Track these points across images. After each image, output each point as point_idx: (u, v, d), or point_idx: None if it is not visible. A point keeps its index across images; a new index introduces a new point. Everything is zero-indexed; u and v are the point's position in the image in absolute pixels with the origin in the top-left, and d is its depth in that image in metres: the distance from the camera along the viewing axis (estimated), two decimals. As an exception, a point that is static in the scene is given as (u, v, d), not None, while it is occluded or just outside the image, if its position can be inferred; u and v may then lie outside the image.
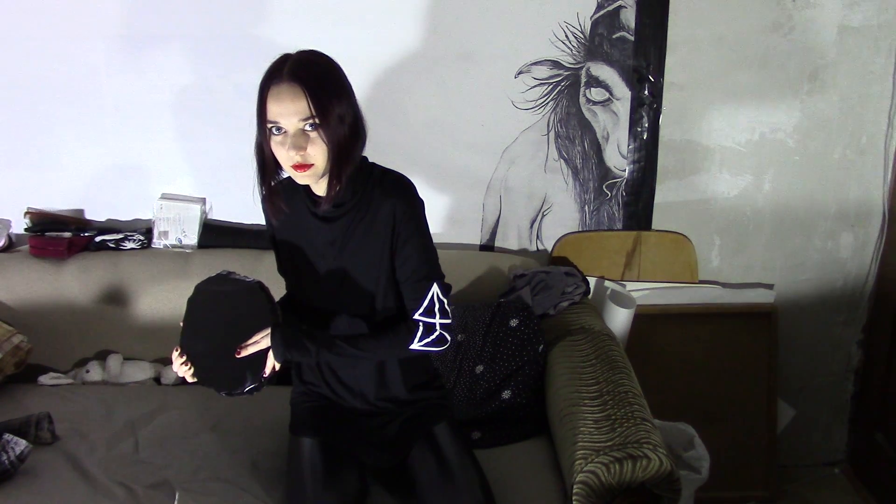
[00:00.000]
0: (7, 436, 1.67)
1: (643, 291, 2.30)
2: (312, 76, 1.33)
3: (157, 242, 2.23)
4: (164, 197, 2.25)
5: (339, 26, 2.09)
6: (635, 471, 1.46)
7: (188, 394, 2.01)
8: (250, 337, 1.43)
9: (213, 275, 1.51)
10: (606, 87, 2.16)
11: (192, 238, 2.23)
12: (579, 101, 2.18)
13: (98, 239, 2.20)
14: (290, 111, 1.32)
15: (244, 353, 1.43)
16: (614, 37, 2.12)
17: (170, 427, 1.86)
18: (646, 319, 2.26)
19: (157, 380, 2.14)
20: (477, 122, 2.19)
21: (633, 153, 2.22)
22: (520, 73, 2.14)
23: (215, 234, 2.24)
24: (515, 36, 2.11)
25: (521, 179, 2.24)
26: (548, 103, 2.18)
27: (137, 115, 2.18)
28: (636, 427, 1.54)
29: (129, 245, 2.21)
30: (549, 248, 2.32)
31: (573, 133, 2.21)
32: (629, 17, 2.10)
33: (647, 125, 2.19)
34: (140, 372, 2.12)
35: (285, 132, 1.35)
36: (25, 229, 2.21)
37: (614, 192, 2.26)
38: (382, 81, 2.11)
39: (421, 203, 1.48)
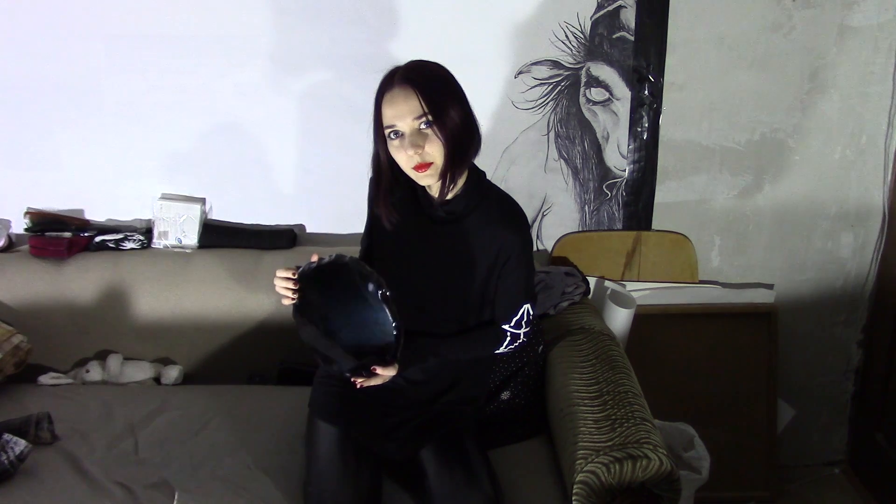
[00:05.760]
0: (7, 436, 1.67)
1: (643, 291, 2.30)
2: (422, 77, 1.40)
3: (157, 242, 2.23)
4: (164, 197, 2.25)
5: (337, 27, 2.09)
6: (635, 471, 1.46)
7: (188, 394, 2.01)
8: (362, 332, 1.44)
9: (368, 273, 1.41)
10: (606, 87, 2.16)
11: (192, 238, 2.23)
12: (579, 101, 2.18)
13: (98, 239, 2.20)
14: (404, 111, 1.38)
15: (366, 383, 1.46)
16: (614, 37, 2.12)
17: (170, 427, 1.86)
18: (646, 319, 2.26)
19: (157, 380, 2.14)
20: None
21: (633, 153, 2.22)
22: (520, 73, 2.14)
23: (215, 234, 2.24)
24: (515, 36, 2.11)
25: (521, 179, 2.24)
26: (548, 103, 2.18)
27: (137, 115, 2.18)
28: (636, 427, 1.54)
29: (129, 245, 2.21)
30: (549, 248, 2.32)
31: (573, 133, 2.21)
32: (629, 17, 2.10)
33: (647, 125, 2.19)
34: (140, 372, 2.12)
35: (403, 135, 1.40)
36: (25, 229, 2.21)
37: (614, 192, 2.26)
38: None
39: (530, 235, 1.60)
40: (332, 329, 1.46)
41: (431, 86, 1.40)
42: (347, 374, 1.46)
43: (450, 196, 1.51)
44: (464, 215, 1.53)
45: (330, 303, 1.45)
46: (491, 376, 1.83)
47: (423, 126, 1.39)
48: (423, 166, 1.41)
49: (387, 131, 1.43)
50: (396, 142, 1.42)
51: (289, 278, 1.43)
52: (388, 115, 1.40)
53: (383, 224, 1.57)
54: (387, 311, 1.39)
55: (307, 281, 1.43)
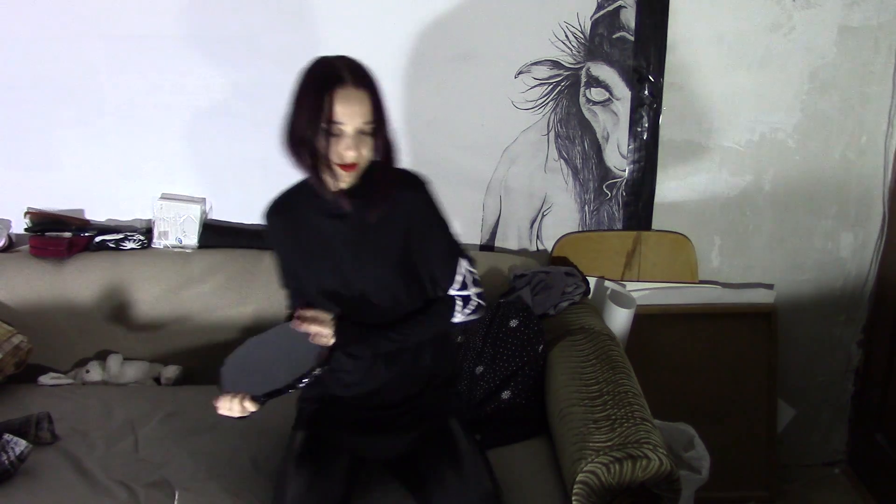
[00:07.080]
0: (7, 436, 1.67)
1: (643, 291, 2.30)
2: (373, 81, 1.42)
3: (157, 242, 2.23)
4: (164, 197, 2.25)
5: (337, 27, 2.09)
6: (635, 471, 1.46)
7: (188, 394, 2.01)
8: (303, 355, 1.41)
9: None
10: (606, 87, 2.16)
11: (192, 238, 2.23)
12: (579, 101, 2.18)
13: (98, 239, 2.20)
14: (357, 113, 1.39)
15: (305, 326, 1.41)
16: (614, 37, 2.12)
17: (169, 427, 1.86)
18: (646, 319, 2.26)
19: (157, 380, 2.14)
20: (477, 122, 2.19)
21: (633, 153, 2.22)
22: (520, 73, 2.14)
23: (215, 234, 2.25)
24: (515, 36, 2.11)
25: (521, 179, 2.24)
26: (548, 103, 2.18)
27: (137, 115, 2.18)
28: (636, 427, 1.54)
29: (129, 245, 2.21)
30: (549, 248, 2.32)
31: (573, 133, 2.21)
32: (629, 17, 2.10)
33: (647, 125, 2.19)
34: (140, 372, 2.12)
35: (344, 133, 1.40)
36: (25, 229, 2.21)
37: (614, 192, 2.26)
38: (382, 82, 2.12)
39: (432, 192, 1.56)
40: (277, 359, 1.47)
41: (379, 92, 1.42)
42: (316, 371, 1.40)
43: (346, 186, 1.47)
44: (362, 197, 1.49)
45: (259, 368, 1.46)
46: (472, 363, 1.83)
47: (366, 130, 1.41)
48: (351, 166, 1.42)
49: (331, 124, 1.39)
50: (335, 137, 1.40)
51: (231, 401, 1.39)
52: (339, 111, 1.38)
53: (299, 244, 1.54)
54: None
55: (228, 386, 1.42)
